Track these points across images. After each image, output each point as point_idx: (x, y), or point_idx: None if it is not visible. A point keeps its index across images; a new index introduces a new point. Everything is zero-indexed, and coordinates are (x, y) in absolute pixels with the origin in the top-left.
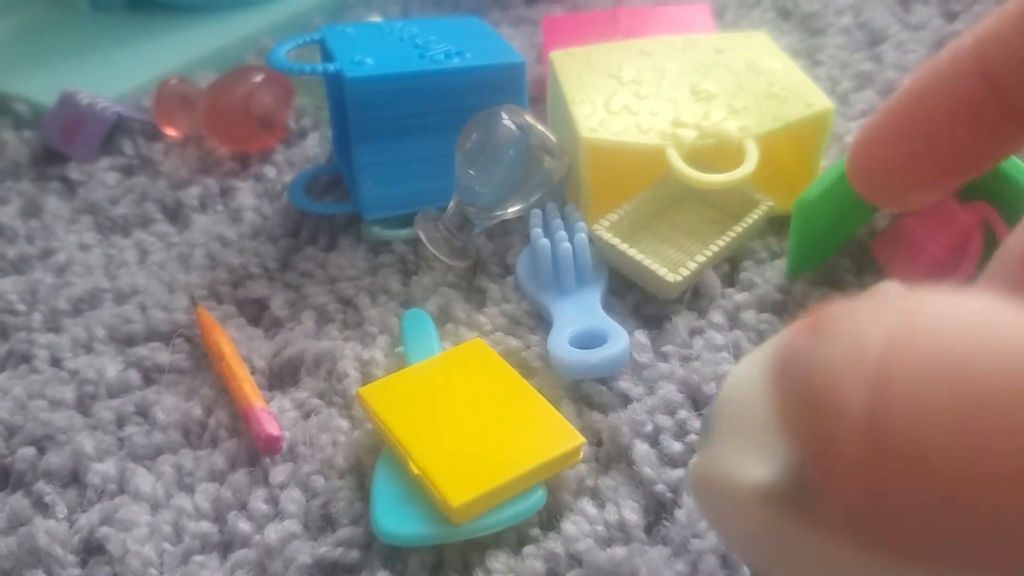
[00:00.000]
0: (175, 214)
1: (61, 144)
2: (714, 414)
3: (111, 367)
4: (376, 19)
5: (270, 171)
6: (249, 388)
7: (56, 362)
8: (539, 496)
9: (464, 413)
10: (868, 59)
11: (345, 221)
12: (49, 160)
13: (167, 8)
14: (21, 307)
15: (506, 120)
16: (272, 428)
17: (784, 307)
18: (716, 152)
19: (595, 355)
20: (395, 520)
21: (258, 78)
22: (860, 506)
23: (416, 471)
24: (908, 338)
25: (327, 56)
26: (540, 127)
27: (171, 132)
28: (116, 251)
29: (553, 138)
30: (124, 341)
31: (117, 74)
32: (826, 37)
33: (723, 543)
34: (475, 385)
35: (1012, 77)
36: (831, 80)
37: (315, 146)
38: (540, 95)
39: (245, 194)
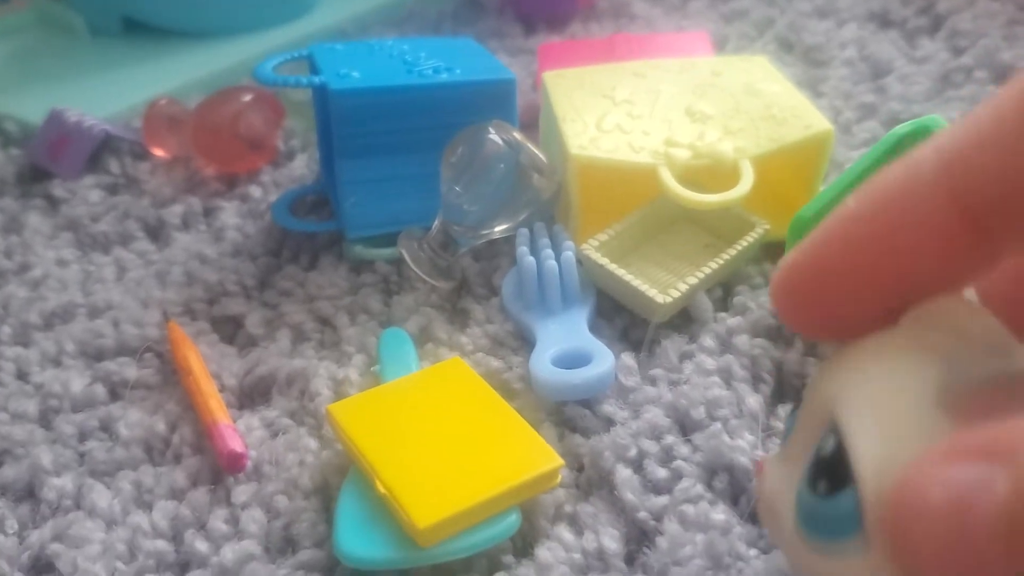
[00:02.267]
0: (156, 232)
1: (47, 161)
2: (868, 514)
3: (77, 381)
4: None
5: (256, 191)
6: (215, 404)
7: (22, 376)
8: (513, 520)
9: (437, 433)
10: (872, 91)
11: (328, 240)
12: (35, 178)
13: (164, 33)
14: None
15: (493, 135)
16: (236, 445)
17: (778, 333)
18: (710, 173)
19: (578, 375)
20: (359, 542)
21: (247, 98)
22: None
23: (382, 490)
24: None
25: (315, 73)
26: (529, 145)
27: (159, 152)
28: (94, 267)
29: (542, 156)
30: (93, 356)
31: (110, 96)
32: (829, 69)
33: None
34: (451, 404)
35: (986, 199)
36: (833, 110)
37: (303, 167)
38: (534, 122)
39: (229, 214)
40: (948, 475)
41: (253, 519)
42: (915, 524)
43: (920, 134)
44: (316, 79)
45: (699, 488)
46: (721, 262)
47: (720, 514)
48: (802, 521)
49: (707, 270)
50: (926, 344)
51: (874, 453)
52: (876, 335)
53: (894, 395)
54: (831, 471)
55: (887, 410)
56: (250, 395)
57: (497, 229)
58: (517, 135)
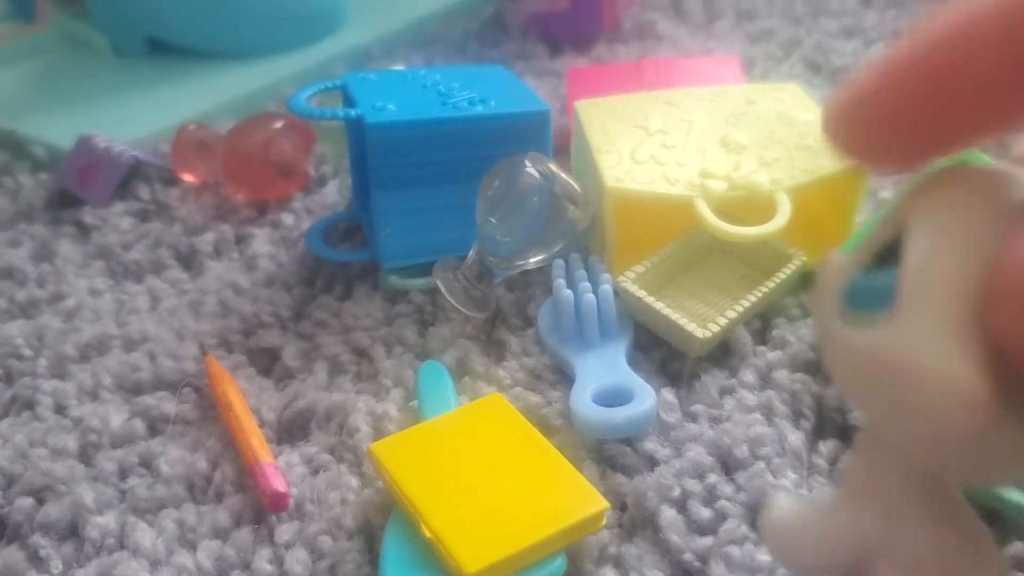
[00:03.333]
0: (189, 260)
1: (77, 187)
2: (902, 287)
3: (116, 416)
4: (399, 67)
5: (288, 218)
6: (256, 441)
7: (60, 409)
8: (559, 564)
9: (480, 473)
10: None
11: (362, 270)
12: (64, 204)
13: (190, 55)
14: (27, 352)
15: (529, 168)
16: (279, 484)
17: (818, 367)
18: (746, 205)
19: (620, 413)
20: None
21: (278, 124)
22: None
23: (428, 534)
24: None
25: (348, 102)
26: (564, 175)
27: (188, 178)
28: (127, 297)
29: (577, 187)
30: (131, 389)
31: (136, 119)
32: None
33: (894, 433)
34: (493, 443)
35: None
36: None
37: (335, 193)
38: (564, 145)
39: (261, 241)
40: None
41: (297, 560)
42: (1004, 281)
43: None
44: (353, 112)
45: (744, 529)
46: (759, 295)
47: (765, 555)
48: (847, 296)
49: (745, 303)
50: (1005, 173)
51: (927, 240)
52: (950, 166)
53: (962, 200)
54: (886, 253)
55: (952, 211)
56: (288, 430)
57: (532, 260)
58: (552, 167)
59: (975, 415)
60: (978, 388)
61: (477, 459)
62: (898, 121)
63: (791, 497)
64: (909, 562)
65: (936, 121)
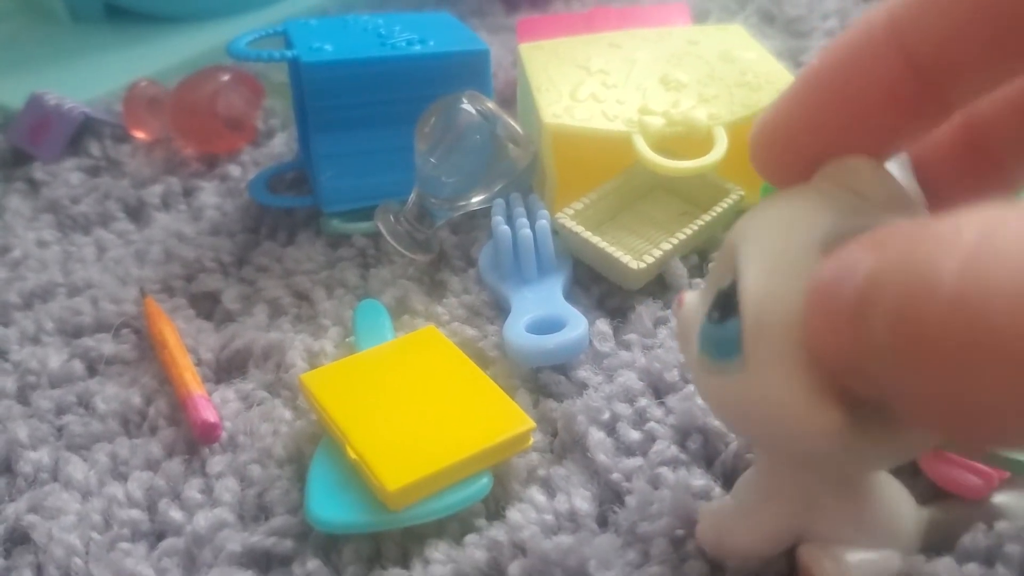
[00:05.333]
0: (136, 213)
1: (28, 144)
2: (745, 337)
3: (55, 357)
4: None
5: (235, 170)
6: (189, 376)
7: (1, 354)
8: (484, 483)
9: (410, 400)
10: None
11: (306, 217)
12: (16, 162)
13: (146, 18)
14: None
15: (467, 105)
16: (209, 415)
17: None
18: (685, 141)
19: (552, 340)
20: (329, 507)
21: (225, 78)
22: (945, 377)
23: (353, 456)
24: (1000, 227)
25: (290, 48)
26: (504, 115)
27: (140, 134)
28: (75, 248)
29: (517, 126)
30: (71, 333)
31: (92, 80)
32: (811, 40)
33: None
34: (424, 372)
35: (931, 54)
36: None
37: (283, 146)
38: (513, 97)
39: (208, 193)
40: (835, 259)
41: (227, 488)
42: (811, 300)
43: None
44: (288, 53)
45: (673, 450)
46: (695, 228)
47: (698, 479)
48: (701, 345)
49: (681, 236)
50: (823, 197)
51: (757, 287)
52: (768, 196)
53: (782, 239)
54: (726, 303)
55: (774, 251)
56: (227, 369)
57: (473, 200)
58: (491, 106)
59: (834, 439)
60: (829, 419)
61: (408, 387)
62: (802, 141)
63: (717, 501)
64: (832, 540)
65: (837, 139)
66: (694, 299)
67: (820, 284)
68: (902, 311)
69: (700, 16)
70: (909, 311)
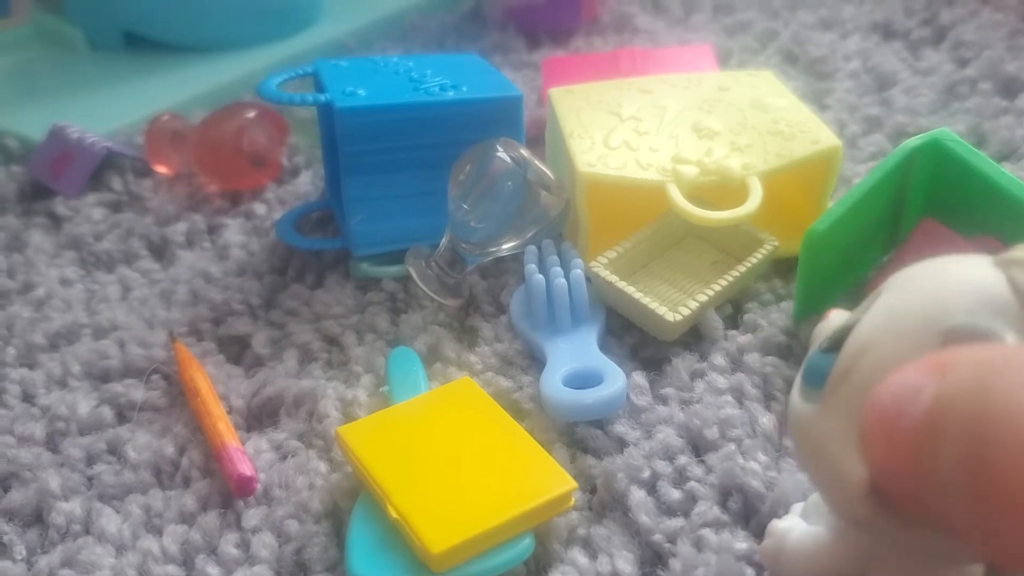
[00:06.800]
0: (160, 251)
1: (49, 179)
2: (832, 375)
3: (84, 403)
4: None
5: (260, 208)
6: (223, 426)
7: (28, 398)
8: (526, 544)
9: (449, 455)
10: (877, 103)
11: (334, 259)
12: (36, 195)
13: (166, 48)
14: None
15: (501, 153)
16: (245, 468)
17: (789, 350)
18: (719, 190)
19: (590, 396)
20: (371, 567)
21: (251, 114)
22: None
23: (394, 515)
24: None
25: (319, 89)
26: (537, 162)
27: (162, 169)
28: (98, 287)
29: (550, 173)
30: (99, 377)
31: (111, 111)
32: (834, 82)
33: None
34: (462, 426)
35: None
36: (839, 123)
37: (308, 184)
38: (539, 136)
39: (233, 231)
40: (896, 380)
41: (264, 544)
42: (869, 420)
43: (931, 148)
44: (322, 97)
45: (715, 511)
46: (731, 279)
47: (741, 542)
48: (804, 367)
49: (716, 287)
50: (984, 283)
51: (865, 337)
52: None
53: (918, 306)
54: (839, 337)
55: (903, 314)
56: (258, 416)
57: (505, 247)
58: (524, 152)
59: (861, 509)
60: (863, 492)
61: (445, 441)
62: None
63: (790, 518)
64: None
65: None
66: (838, 319)
67: (879, 405)
68: (972, 448)
69: (723, 56)
70: (981, 448)
